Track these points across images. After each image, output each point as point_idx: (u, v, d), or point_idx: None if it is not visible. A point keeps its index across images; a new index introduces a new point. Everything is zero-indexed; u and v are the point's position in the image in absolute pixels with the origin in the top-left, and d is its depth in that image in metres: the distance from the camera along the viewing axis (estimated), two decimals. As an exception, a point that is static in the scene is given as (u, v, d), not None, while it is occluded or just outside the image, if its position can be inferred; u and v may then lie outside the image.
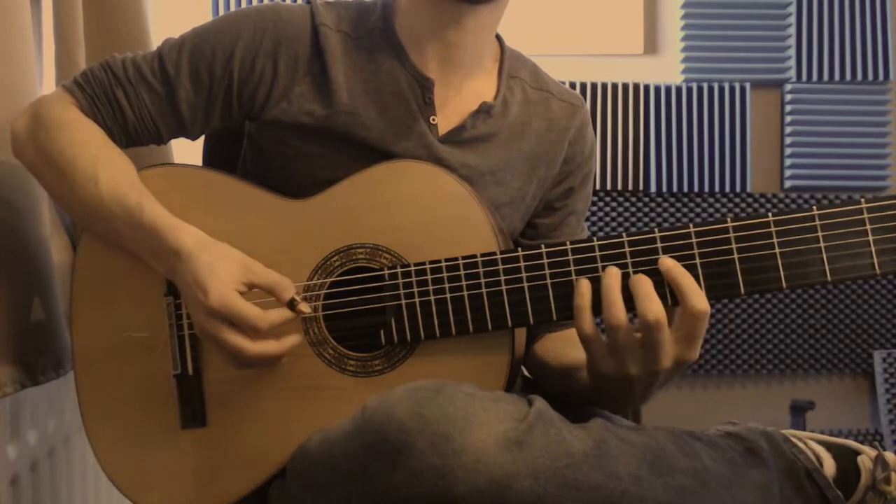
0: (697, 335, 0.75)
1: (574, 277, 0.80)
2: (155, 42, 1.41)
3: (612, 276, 0.77)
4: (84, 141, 0.91)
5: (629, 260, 0.78)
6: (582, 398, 0.87)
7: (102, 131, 0.93)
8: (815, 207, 0.76)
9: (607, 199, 2.56)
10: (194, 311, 0.83)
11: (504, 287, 0.82)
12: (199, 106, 0.94)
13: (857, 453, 0.82)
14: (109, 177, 0.89)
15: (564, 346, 0.95)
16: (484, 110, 0.96)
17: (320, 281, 0.87)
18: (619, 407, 0.87)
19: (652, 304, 0.74)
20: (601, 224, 2.55)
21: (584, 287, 0.78)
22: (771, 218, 0.76)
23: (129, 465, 0.91)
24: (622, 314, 0.75)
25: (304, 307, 0.84)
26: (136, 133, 0.95)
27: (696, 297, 0.74)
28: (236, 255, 0.86)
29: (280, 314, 0.83)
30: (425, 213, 0.86)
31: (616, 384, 0.79)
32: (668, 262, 0.76)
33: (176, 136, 0.98)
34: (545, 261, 0.81)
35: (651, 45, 2.61)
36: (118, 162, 0.91)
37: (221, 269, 0.83)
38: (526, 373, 1.05)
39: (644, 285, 0.75)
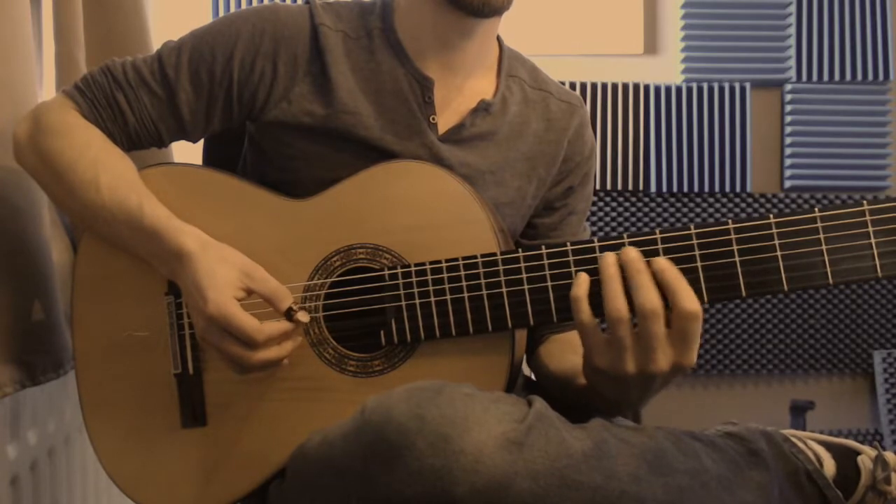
0: (691, 337, 0.74)
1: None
2: (155, 42, 1.41)
3: (611, 266, 0.75)
4: (84, 144, 0.91)
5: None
6: (580, 403, 0.87)
7: (103, 134, 0.93)
8: (816, 209, 0.75)
9: (607, 199, 2.56)
10: (195, 317, 0.83)
11: (504, 288, 0.82)
12: (200, 108, 0.94)
13: (857, 453, 0.82)
14: (109, 179, 0.89)
15: (565, 352, 0.95)
16: (483, 108, 0.96)
17: (321, 281, 0.87)
18: (616, 411, 0.86)
19: (650, 294, 0.73)
20: (601, 224, 2.55)
21: (582, 279, 0.77)
22: (773, 220, 0.76)
23: (129, 464, 0.91)
24: (624, 306, 0.74)
25: (303, 316, 0.84)
26: (136, 136, 0.95)
27: (688, 298, 0.73)
28: (237, 259, 0.86)
29: (277, 326, 0.83)
30: (426, 213, 0.86)
31: (611, 383, 0.78)
32: (662, 263, 0.75)
33: (177, 139, 0.98)
34: (545, 262, 0.81)
35: (651, 45, 2.61)
36: (118, 164, 0.91)
37: (220, 274, 0.83)
38: (530, 374, 1.05)
39: (643, 276, 0.74)
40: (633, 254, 0.75)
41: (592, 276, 0.78)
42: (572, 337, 0.99)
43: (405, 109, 0.94)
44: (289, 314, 0.84)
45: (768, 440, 0.81)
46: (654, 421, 0.84)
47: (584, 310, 0.76)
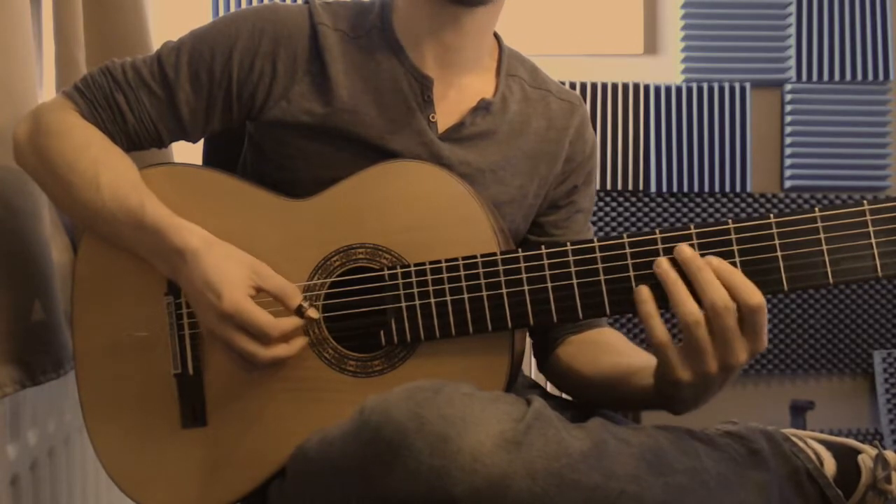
0: (761, 326, 0.73)
1: (574, 280, 0.80)
2: (155, 42, 1.41)
3: (670, 270, 0.75)
4: (84, 145, 0.91)
5: (630, 261, 0.78)
6: (633, 405, 0.86)
7: (103, 134, 0.93)
8: (817, 209, 0.75)
9: (607, 199, 2.56)
10: (204, 313, 0.83)
11: (504, 289, 0.82)
12: (199, 108, 0.94)
13: (858, 452, 0.82)
14: (110, 179, 0.89)
15: (597, 353, 0.94)
16: (483, 107, 0.96)
17: (320, 281, 0.87)
18: (687, 409, 0.82)
19: (719, 290, 0.72)
20: (601, 224, 2.55)
21: (645, 294, 0.76)
22: (773, 219, 0.76)
23: (129, 464, 0.91)
24: (696, 308, 0.73)
25: (313, 313, 0.85)
26: (136, 136, 0.95)
27: (750, 293, 0.72)
28: (243, 257, 0.86)
29: (291, 322, 0.84)
30: (425, 213, 0.86)
31: (693, 389, 0.77)
32: (715, 261, 0.74)
33: (177, 139, 0.98)
34: (545, 262, 0.81)
35: (651, 45, 2.61)
36: (119, 164, 0.91)
37: (231, 271, 0.83)
38: (530, 374, 1.05)
39: (706, 273, 0.73)
40: (688, 251, 0.75)
41: (642, 273, 0.77)
42: (597, 337, 0.98)
43: (404, 108, 0.94)
44: (299, 311, 0.84)
45: (768, 439, 0.81)
46: (654, 420, 0.84)
47: (659, 327, 0.75)
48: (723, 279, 0.74)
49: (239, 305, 0.81)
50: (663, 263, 0.76)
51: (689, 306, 0.73)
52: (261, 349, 0.82)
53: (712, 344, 0.74)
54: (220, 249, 0.85)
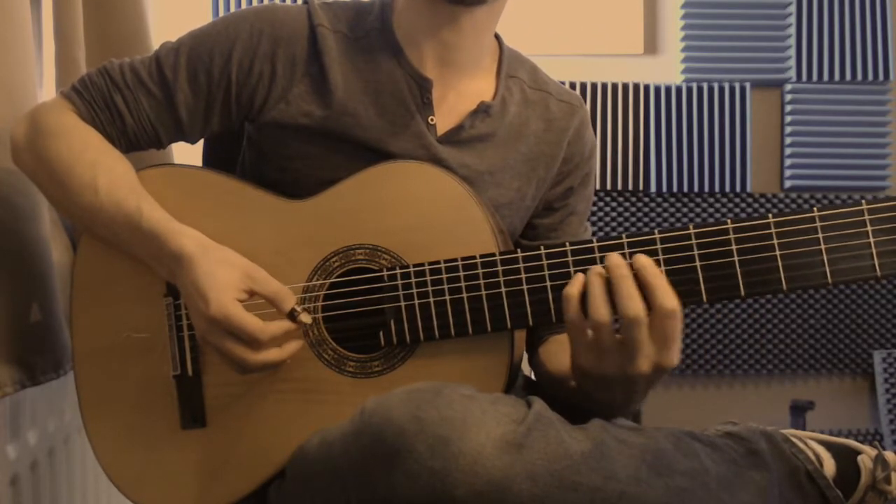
0: (672, 336, 0.74)
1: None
2: (155, 43, 1.41)
3: (596, 273, 0.76)
4: (82, 146, 0.91)
5: (629, 262, 0.78)
6: (572, 403, 0.87)
7: (101, 136, 0.93)
8: (815, 209, 0.75)
9: (607, 199, 2.56)
10: (196, 319, 0.83)
11: (503, 289, 0.82)
12: (198, 109, 0.94)
13: (858, 453, 0.82)
14: (108, 182, 0.88)
15: (560, 352, 0.94)
16: (482, 110, 0.96)
17: (320, 282, 0.87)
18: (605, 413, 0.84)
19: (632, 302, 0.73)
20: (601, 224, 2.55)
21: (577, 278, 0.77)
22: (771, 219, 0.76)
23: (129, 465, 0.91)
24: (605, 311, 0.74)
25: (305, 317, 0.84)
26: (135, 138, 0.95)
27: (665, 295, 0.73)
28: (238, 261, 0.85)
29: (280, 325, 0.83)
30: (425, 213, 0.86)
31: (594, 383, 0.79)
32: (642, 260, 0.75)
33: (175, 140, 0.98)
34: (544, 262, 0.81)
35: (651, 45, 2.60)
36: (117, 166, 0.91)
37: (221, 276, 0.82)
38: (531, 373, 1.05)
39: (626, 284, 0.74)
40: (616, 259, 0.76)
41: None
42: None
43: (403, 110, 0.94)
44: (292, 315, 0.84)
45: (768, 440, 0.81)
46: (654, 421, 0.84)
47: (573, 307, 0.76)
48: (642, 279, 0.74)
49: (224, 310, 0.80)
50: (596, 267, 0.77)
51: (599, 309, 0.75)
52: (250, 353, 0.82)
53: (616, 347, 0.75)
54: (214, 254, 0.85)
